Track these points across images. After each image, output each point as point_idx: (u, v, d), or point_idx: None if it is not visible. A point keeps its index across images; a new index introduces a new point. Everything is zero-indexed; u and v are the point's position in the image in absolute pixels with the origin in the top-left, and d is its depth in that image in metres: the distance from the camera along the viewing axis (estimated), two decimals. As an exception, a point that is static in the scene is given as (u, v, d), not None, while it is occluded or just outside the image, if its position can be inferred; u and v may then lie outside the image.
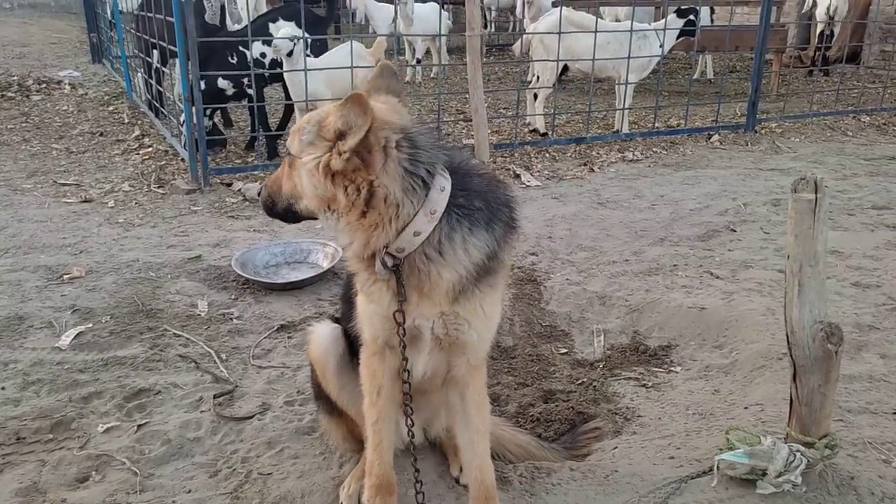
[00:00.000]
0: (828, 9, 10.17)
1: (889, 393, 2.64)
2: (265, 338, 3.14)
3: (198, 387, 2.72)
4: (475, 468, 1.97)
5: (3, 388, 2.68)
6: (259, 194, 1.95)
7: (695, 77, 10.09)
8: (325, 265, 3.81)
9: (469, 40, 5.64)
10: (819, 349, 1.98)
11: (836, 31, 10.38)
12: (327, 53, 6.03)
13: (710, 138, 6.76)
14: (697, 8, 6.83)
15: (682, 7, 6.89)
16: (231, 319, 3.29)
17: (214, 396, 2.62)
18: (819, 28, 10.38)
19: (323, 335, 2.13)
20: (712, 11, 9.97)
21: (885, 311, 3.29)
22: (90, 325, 3.17)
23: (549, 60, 6.49)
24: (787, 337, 2.07)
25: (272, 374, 2.85)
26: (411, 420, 1.86)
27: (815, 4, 10.38)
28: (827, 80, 9.99)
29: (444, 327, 1.77)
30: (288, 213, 1.83)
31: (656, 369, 3.10)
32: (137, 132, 6.73)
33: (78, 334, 3.09)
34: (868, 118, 7.56)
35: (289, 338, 3.14)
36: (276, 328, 3.22)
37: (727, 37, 7.31)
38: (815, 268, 2.00)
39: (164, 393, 2.67)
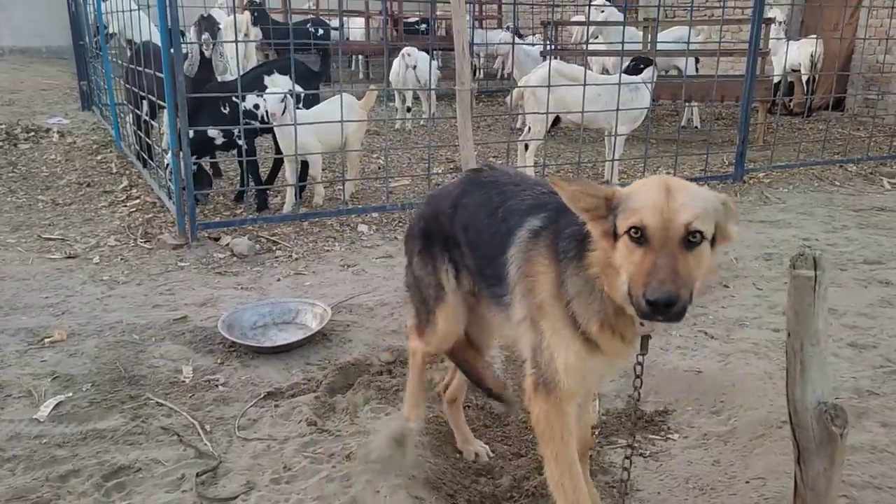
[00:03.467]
0: (811, 55, 10.35)
1: (893, 466, 2.59)
2: (251, 406, 3.05)
3: (180, 463, 2.62)
4: None
5: (-24, 466, 2.57)
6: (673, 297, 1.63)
7: (682, 125, 10.19)
8: (314, 326, 3.74)
9: (459, 94, 5.65)
10: (823, 431, 1.93)
11: (803, 79, 10.56)
12: (318, 105, 6.04)
13: (699, 188, 6.77)
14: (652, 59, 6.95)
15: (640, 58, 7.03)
16: (216, 386, 3.20)
17: (197, 475, 2.52)
18: (804, 77, 10.54)
19: None
20: (697, 61, 10.14)
21: (883, 375, 3.24)
22: (70, 395, 3.07)
23: (540, 113, 6.52)
24: (790, 417, 2.01)
25: (258, 447, 2.75)
26: None
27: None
28: (812, 128, 10.10)
29: None
30: None
31: (653, 436, 3.02)
32: (125, 183, 6.68)
33: (57, 404, 2.99)
34: (855, 167, 7.63)
35: (276, 406, 3.05)
36: (262, 396, 3.13)
37: (713, 87, 7.38)
38: (817, 346, 1.96)
39: (144, 470, 2.57)
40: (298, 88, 5.78)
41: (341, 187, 6.19)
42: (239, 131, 5.52)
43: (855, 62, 10.98)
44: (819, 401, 1.94)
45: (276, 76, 5.88)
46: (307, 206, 5.94)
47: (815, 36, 10.33)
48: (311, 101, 5.83)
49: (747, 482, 2.58)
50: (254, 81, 5.69)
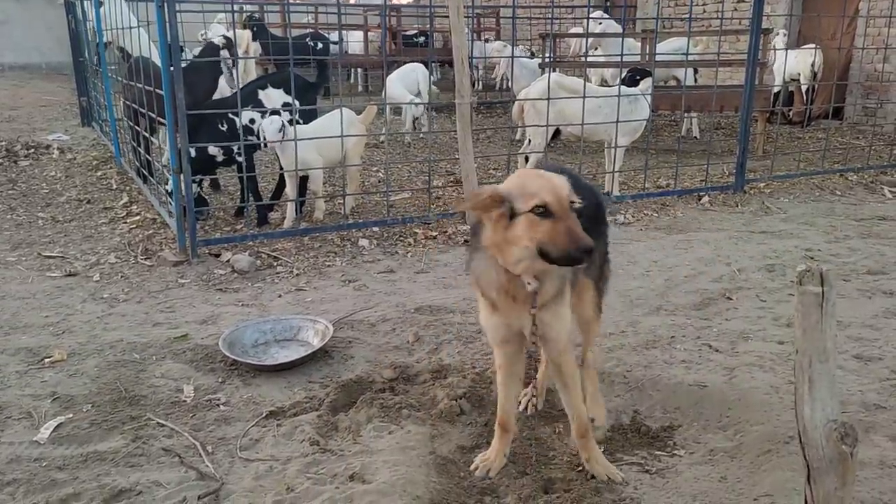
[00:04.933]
0: (811, 65, 10.38)
1: (901, 481, 2.55)
2: (253, 426, 3.02)
3: (182, 485, 2.59)
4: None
5: (-25, 491, 2.55)
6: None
7: (681, 135, 10.20)
8: (316, 343, 3.72)
9: (458, 107, 5.66)
10: (833, 450, 1.90)
11: (803, 89, 10.58)
12: (317, 120, 6.03)
13: (700, 199, 6.77)
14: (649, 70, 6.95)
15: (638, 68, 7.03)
16: (218, 406, 3.17)
17: (199, 497, 2.49)
18: (804, 86, 10.56)
19: None
20: (696, 72, 10.16)
21: (890, 388, 3.21)
22: (70, 416, 3.04)
23: (540, 125, 6.52)
24: (800, 436, 1.98)
25: (260, 468, 2.72)
26: None
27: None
28: (812, 137, 10.11)
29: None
30: None
31: (659, 453, 2.99)
32: (125, 199, 6.67)
33: (58, 426, 2.96)
34: (855, 176, 7.62)
35: (278, 425, 3.02)
36: (264, 415, 3.10)
37: (712, 97, 7.38)
38: (826, 364, 1.93)
39: (145, 493, 2.54)
40: (295, 102, 5.77)
41: (342, 202, 6.18)
42: (237, 147, 5.51)
43: (853, 71, 11.01)
44: (829, 419, 1.92)
45: (270, 90, 5.86)
46: (308, 221, 5.93)
47: (813, 45, 10.36)
48: (308, 115, 5.81)
49: (755, 500, 2.55)
50: (248, 96, 5.67)
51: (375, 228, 5.79)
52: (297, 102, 5.65)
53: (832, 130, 10.20)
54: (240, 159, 5.60)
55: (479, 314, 2.59)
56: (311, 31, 14.38)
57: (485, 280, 2.44)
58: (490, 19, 17.45)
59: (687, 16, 9.44)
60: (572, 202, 2.26)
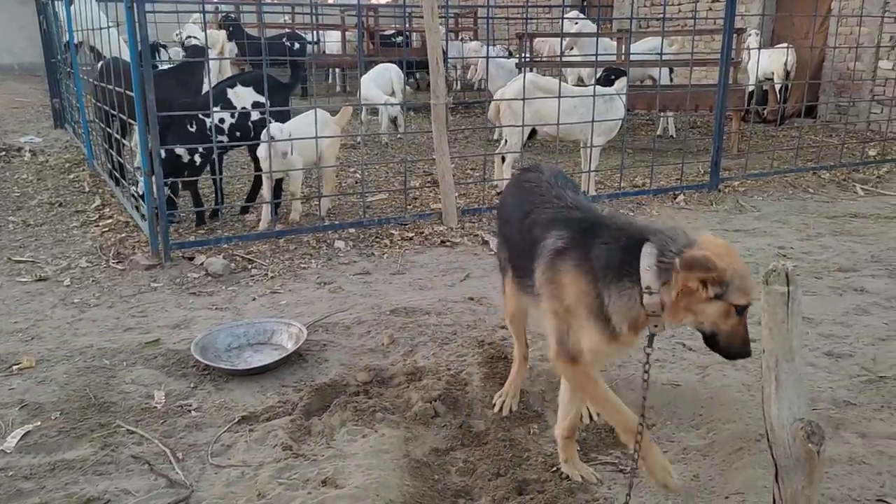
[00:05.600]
0: (785, 64, 10.50)
1: (871, 477, 2.58)
2: (225, 431, 2.99)
3: (151, 493, 2.55)
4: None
5: (-62, 502, 2.50)
6: None
7: (657, 134, 10.26)
8: (290, 347, 3.69)
9: (434, 108, 5.65)
10: (800, 449, 1.91)
11: (777, 87, 10.70)
12: (291, 121, 5.98)
13: (675, 198, 6.81)
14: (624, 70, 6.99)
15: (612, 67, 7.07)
16: (189, 411, 3.13)
17: (168, 505, 2.46)
18: (778, 85, 10.68)
19: None
20: (671, 71, 10.23)
21: (860, 384, 3.25)
22: (38, 424, 2.99)
23: (516, 126, 6.52)
24: (767, 435, 2.00)
25: (231, 474, 2.69)
26: None
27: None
28: (786, 136, 10.22)
29: None
30: None
31: (634, 452, 3.00)
32: (98, 202, 6.58)
33: (25, 434, 2.91)
34: (828, 174, 7.71)
35: (250, 431, 2.99)
36: (236, 420, 3.06)
37: (687, 97, 7.43)
38: (792, 363, 1.95)
39: (114, 502, 2.50)
40: (261, 99, 5.70)
41: (317, 203, 6.15)
42: (207, 148, 5.45)
43: (826, 70, 11.13)
44: (795, 418, 1.93)
45: (239, 88, 5.80)
46: (283, 223, 5.89)
47: (787, 45, 10.47)
48: (281, 115, 5.76)
49: (727, 498, 2.57)
50: (217, 96, 5.61)
51: (351, 230, 5.76)
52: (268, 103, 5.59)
53: (805, 129, 10.32)
54: (197, 160, 5.53)
55: (586, 337, 2.45)
56: (287, 31, 14.29)
57: (622, 315, 2.34)
58: (468, 19, 17.45)
59: (658, 15, 9.52)
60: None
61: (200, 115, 5.35)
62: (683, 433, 3.06)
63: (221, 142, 5.53)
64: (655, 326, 2.32)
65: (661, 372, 3.47)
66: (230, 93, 5.72)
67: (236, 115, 5.67)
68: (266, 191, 5.82)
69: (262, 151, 5.52)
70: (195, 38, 6.47)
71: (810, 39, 9.06)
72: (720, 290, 2.17)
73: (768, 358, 1.97)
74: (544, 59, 11.55)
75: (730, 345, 2.26)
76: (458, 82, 15.31)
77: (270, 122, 5.39)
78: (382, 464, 2.72)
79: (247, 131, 5.76)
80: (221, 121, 5.59)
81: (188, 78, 6.78)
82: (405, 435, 2.99)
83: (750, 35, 10.34)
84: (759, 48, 10.14)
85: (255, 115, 5.51)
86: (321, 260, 5.17)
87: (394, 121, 9.78)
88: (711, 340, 2.29)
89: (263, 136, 5.41)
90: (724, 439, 2.92)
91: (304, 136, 5.56)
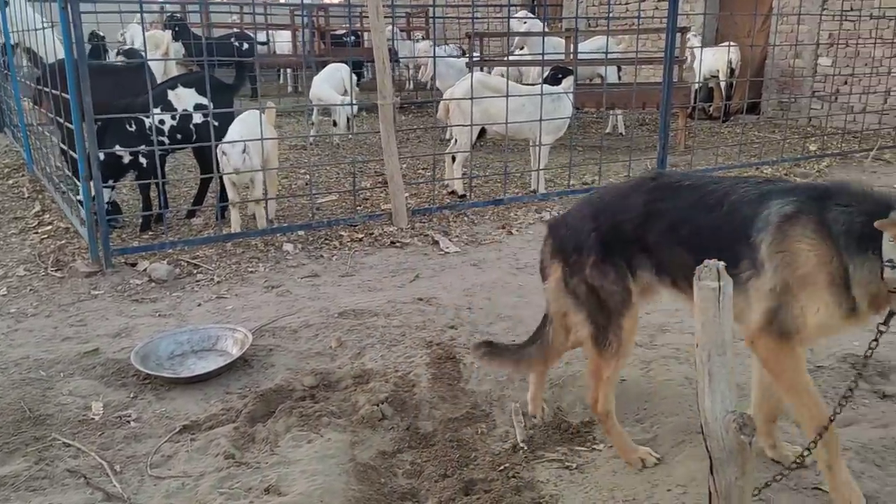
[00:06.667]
0: (729, 62, 10.74)
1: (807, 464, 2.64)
2: (165, 441, 2.92)
3: (86, 508, 2.48)
4: None
5: None
6: None
7: (607, 131, 10.40)
8: (235, 352, 3.63)
9: (381, 108, 5.62)
10: (733, 441, 1.95)
11: (722, 85, 10.96)
12: (238, 125, 5.87)
13: (623, 195, 6.89)
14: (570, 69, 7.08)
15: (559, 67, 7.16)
16: (128, 422, 3.06)
17: (104, 520, 2.39)
18: (722, 82, 10.92)
19: None
20: (620, 70, 10.37)
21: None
22: (-32, 440, 2.89)
23: (465, 125, 6.53)
24: (702, 428, 2.03)
25: (171, 485, 2.63)
26: None
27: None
28: (730, 132, 10.45)
29: None
30: None
31: (579, 448, 3.02)
32: (38, 207, 6.39)
33: (-47, 451, 2.81)
34: (770, 169, 7.90)
35: (192, 440, 2.93)
36: (177, 429, 3.00)
37: (633, 95, 7.54)
38: (724, 357, 1.98)
39: (47, 518, 2.43)
40: (204, 101, 5.59)
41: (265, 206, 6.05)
42: (148, 150, 5.33)
43: (768, 67, 11.42)
44: (727, 410, 1.97)
45: (181, 89, 5.68)
46: (229, 227, 5.76)
47: (731, 43, 10.71)
48: (224, 117, 5.66)
49: (668, 490, 2.60)
50: (157, 97, 5.48)
51: (300, 232, 5.70)
52: (211, 105, 5.49)
53: (749, 125, 10.58)
54: (143, 161, 5.41)
55: (811, 309, 2.27)
56: (236, 30, 14.08)
57: (863, 289, 2.19)
58: (419, 19, 17.43)
59: (608, 15, 9.65)
60: None
61: (140, 116, 5.22)
62: (629, 427, 3.09)
63: (162, 143, 5.40)
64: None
65: (607, 368, 3.50)
66: (171, 94, 5.59)
67: (177, 117, 5.55)
68: (232, 194, 5.66)
69: (227, 166, 5.40)
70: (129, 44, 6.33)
71: (753, 38, 9.28)
72: None
73: (701, 353, 1.99)
74: (494, 59, 11.59)
75: None
76: (411, 82, 15.29)
77: (224, 148, 5.29)
78: (327, 469, 2.70)
79: (189, 134, 5.65)
80: (162, 122, 5.47)
81: (135, 79, 6.51)
82: (351, 439, 2.96)
83: (690, 36, 10.55)
84: (701, 47, 10.35)
85: (197, 118, 5.40)
86: (269, 263, 5.10)
87: (349, 121, 9.70)
88: None
89: (222, 151, 5.31)
90: (667, 433, 2.96)
91: (255, 138, 5.47)
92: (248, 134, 5.49)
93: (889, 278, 2.08)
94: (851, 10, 9.61)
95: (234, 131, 5.56)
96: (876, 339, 2.21)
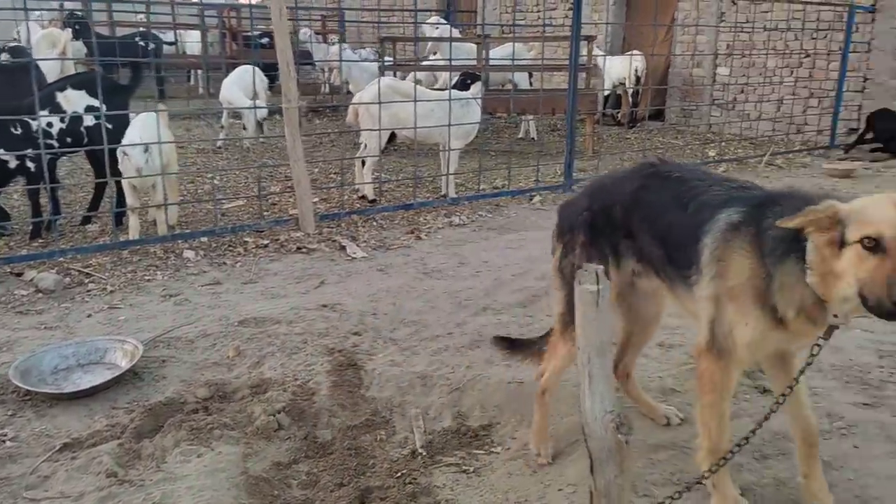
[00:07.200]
0: (635, 70, 11.11)
1: (691, 461, 2.73)
2: (43, 461, 2.77)
3: (-50, 536, 2.32)
4: None
5: None
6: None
7: (519, 136, 10.56)
8: (124, 365, 3.47)
9: (286, 112, 5.53)
10: (612, 440, 1.99)
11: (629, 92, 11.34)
12: (135, 127, 5.65)
13: (532, 199, 7.02)
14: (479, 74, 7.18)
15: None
16: (4, 442, 2.88)
17: (-33, 549, 2.24)
18: (629, 90, 11.28)
19: None
20: (530, 76, 10.56)
21: (686, 372, 3.45)
22: None
23: (374, 129, 6.50)
24: (583, 428, 2.07)
25: (47, 508, 2.49)
26: None
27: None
28: (637, 137, 10.80)
29: None
30: None
31: (477, 451, 3.04)
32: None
33: None
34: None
35: (72, 458, 2.79)
36: (58, 448, 2.85)
37: (540, 101, 7.68)
38: (603, 358, 2.02)
39: None
40: (96, 103, 5.35)
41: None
42: (35, 154, 5.06)
43: (672, 76, 11.87)
44: (606, 410, 2.01)
45: (70, 91, 5.40)
46: (125, 235, 5.52)
47: (637, 52, 11.08)
48: (118, 120, 5.43)
49: (560, 490, 2.64)
50: (45, 99, 5.21)
51: (203, 238, 5.53)
52: (104, 107, 5.25)
53: (654, 131, 10.96)
54: (30, 165, 5.15)
55: (739, 325, 2.20)
56: (142, 29, 13.58)
57: (787, 297, 2.09)
58: (334, 22, 17.27)
59: (519, 22, 9.81)
60: None
61: (26, 119, 4.96)
62: (526, 429, 3.12)
63: (51, 146, 5.14)
64: (835, 317, 2.03)
65: (507, 371, 3.54)
66: (59, 96, 5.32)
67: (66, 119, 5.29)
68: (132, 199, 5.43)
69: (129, 168, 5.17)
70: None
71: (655, 47, 9.63)
72: (835, 229, 1.95)
73: (582, 355, 2.04)
74: (406, 62, 11.62)
75: (871, 295, 1.89)
76: (326, 85, 15.12)
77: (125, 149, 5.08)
78: (216, 483, 2.61)
79: (80, 137, 5.40)
80: (50, 125, 5.20)
81: (25, 79, 6.17)
82: (244, 451, 2.88)
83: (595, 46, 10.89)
84: (605, 56, 10.67)
85: (88, 120, 5.16)
86: (168, 271, 4.92)
87: (259, 124, 9.50)
88: (863, 301, 1.93)
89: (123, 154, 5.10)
90: (562, 433, 3.01)
91: (155, 141, 5.27)
92: (148, 136, 5.28)
93: (812, 282, 2.02)
94: (746, 21, 10.09)
95: (132, 133, 5.34)
96: (813, 354, 2.13)
